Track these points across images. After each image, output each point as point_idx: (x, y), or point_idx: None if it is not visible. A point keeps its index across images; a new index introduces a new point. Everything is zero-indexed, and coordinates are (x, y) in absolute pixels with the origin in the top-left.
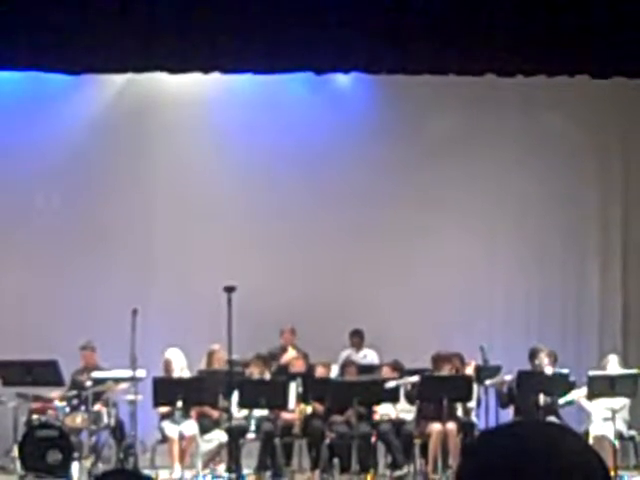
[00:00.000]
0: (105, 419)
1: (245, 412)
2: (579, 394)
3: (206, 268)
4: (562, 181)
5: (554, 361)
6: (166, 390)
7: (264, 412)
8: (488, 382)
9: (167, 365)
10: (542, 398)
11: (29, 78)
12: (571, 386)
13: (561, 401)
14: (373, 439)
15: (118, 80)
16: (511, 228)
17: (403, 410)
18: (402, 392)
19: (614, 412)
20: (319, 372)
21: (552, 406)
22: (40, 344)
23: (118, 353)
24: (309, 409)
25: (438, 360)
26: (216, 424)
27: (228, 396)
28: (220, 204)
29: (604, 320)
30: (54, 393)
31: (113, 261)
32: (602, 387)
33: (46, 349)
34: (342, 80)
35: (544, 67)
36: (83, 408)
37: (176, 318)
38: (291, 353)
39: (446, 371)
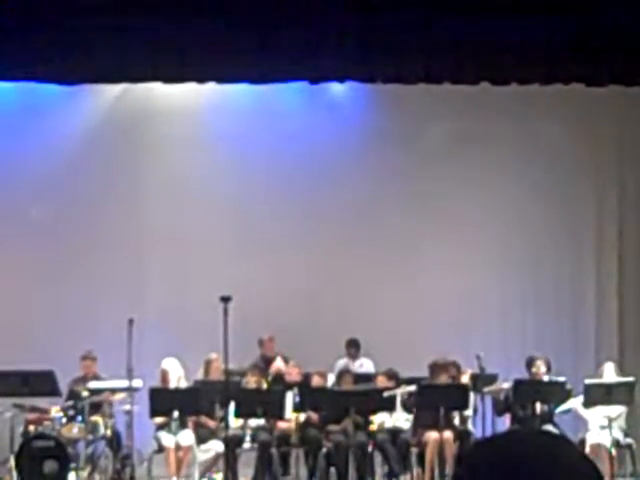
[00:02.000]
0: (102, 429)
1: (242, 422)
2: (576, 402)
3: (202, 278)
4: (558, 188)
5: (548, 369)
6: (163, 400)
7: (260, 422)
8: (486, 389)
9: (164, 375)
10: (539, 406)
11: (22, 88)
12: (568, 394)
13: (558, 410)
14: (370, 448)
15: (113, 90)
16: (507, 236)
17: (399, 419)
18: (399, 401)
19: (611, 420)
20: (315, 381)
21: (548, 414)
22: (36, 354)
23: (115, 363)
24: (302, 416)
25: (435, 368)
26: (213, 434)
27: (225, 406)
28: (216, 213)
29: (600, 328)
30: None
31: (109, 271)
32: (598, 395)
33: (42, 360)
34: (337, 89)
35: (538, 75)
36: (80, 418)
37: (172, 328)
38: (279, 362)
39: (443, 380)
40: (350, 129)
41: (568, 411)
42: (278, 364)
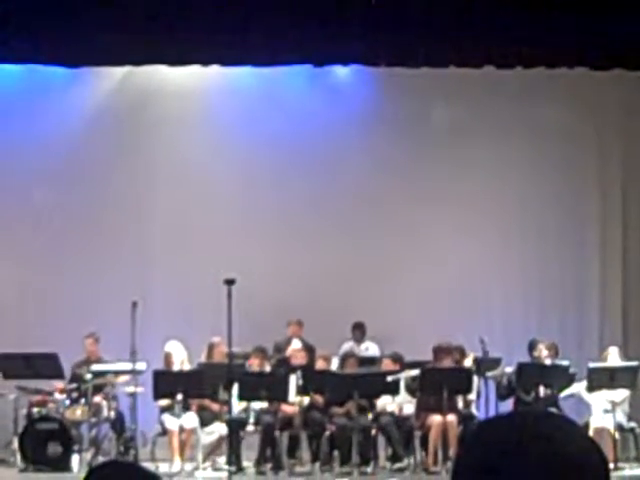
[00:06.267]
0: (105, 412)
1: (245, 405)
2: (579, 387)
3: (206, 261)
4: (562, 173)
5: (555, 354)
6: (166, 383)
7: (264, 405)
8: (489, 374)
9: (167, 358)
10: (542, 390)
11: (27, 71)
12: (571, 378)
13: (562, 394)
14: (373, 431)
15: (117, 73)
16: (510, 221)
17: (403, 402)
18: (402, 384)
19: (614, 404)
20: (319, 365)
21: (552, 398)
22: (40, 337)
23: (118, 346)
24: (306, 400)
25: (439, 352)
26: (216, 417)
27: (228, 389)
28: (220, 196)
29: (604, 312)
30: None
31: (113, 254)
32: (602, 379)
33: (46, 342)
34: (341, 72)
35: (543, 59)
36: (83, 401)
37: (176, 311)
38: (295, 345)
39: (447, 363)
40: (354, 112)
41: (572, 395)
42: (293, 347)
